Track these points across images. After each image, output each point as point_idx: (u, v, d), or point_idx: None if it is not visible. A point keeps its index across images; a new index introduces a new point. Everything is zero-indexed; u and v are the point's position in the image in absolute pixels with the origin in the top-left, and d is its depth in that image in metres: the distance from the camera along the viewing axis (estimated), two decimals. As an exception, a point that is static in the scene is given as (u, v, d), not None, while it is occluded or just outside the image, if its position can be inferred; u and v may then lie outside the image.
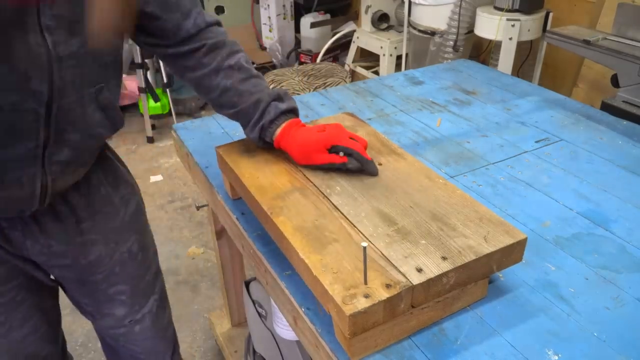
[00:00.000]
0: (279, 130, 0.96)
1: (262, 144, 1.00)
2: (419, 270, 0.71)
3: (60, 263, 0.97)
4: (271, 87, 3.47)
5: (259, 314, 1.40)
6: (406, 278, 0.70)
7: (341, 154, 0.93)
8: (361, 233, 0.79)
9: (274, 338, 1.34)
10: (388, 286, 0.69)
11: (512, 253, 0.78)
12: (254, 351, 1.53)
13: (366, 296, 0.67)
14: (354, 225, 0.80)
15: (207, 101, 1.02)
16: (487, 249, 0.75)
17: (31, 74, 0.73)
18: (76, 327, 1.95)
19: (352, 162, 0.92)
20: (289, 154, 0.96)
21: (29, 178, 0.81)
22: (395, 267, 0.72)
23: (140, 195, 1.11)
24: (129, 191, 1.06)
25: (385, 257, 0.74)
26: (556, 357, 0.73)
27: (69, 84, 0.78)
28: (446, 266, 0.72)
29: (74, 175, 0.90)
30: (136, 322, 1.13)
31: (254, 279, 1.43)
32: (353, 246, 0.76)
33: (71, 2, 0.74)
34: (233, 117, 1.00)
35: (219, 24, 1.00)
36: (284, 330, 1.27)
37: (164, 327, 1.22)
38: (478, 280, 0.78)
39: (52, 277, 1.01)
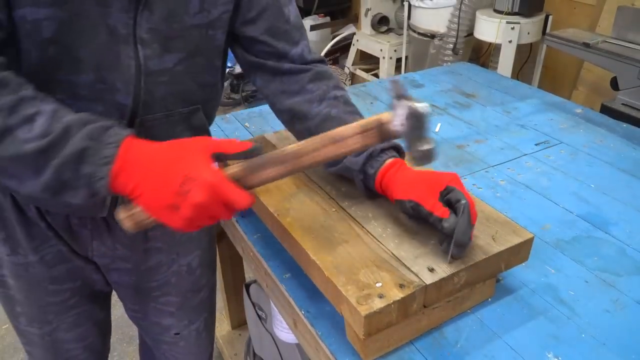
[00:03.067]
0: (389, 161, 0.80)
1: (360, 178, 0.83)
2: (431, 270, 0.71)
3: (121, 266, 0.95)
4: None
5: (259, 317, 1.39)
6: (419, 278, 0.70)
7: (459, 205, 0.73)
8: (370, 234, 0.79)
9: (274, 341, 1.34)
10: (401, 286, 0.69)
11: (520, 252, 0.78)
12: (254, 354, 1.53)
13: (380, 296, 0.67)
14: (363, 226, 0.80)
15: (298, 130, 0.89)
16: (496, 248, 0.75)
17: (119, 86, 0.72)
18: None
19: (448, 222, 0.71)
20: (394, 185, 0.78)
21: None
22: (407, 267, 0.72)
23: None
24: None
25: (396, 257, 0.74)
26: (556, 360, 0.73)
27: (159, 100, 0.76)
28: (457, 266, 0.72)
29: None
30: (182, 338, 1.10)
31: (254, 281, 1.43)
32: (363, 247, 0.76)
33: (169, 18, 0.72)
34: None
35: (324, 62, 0.93)
36: (284, 332, 1.26)
37: (206, 345, 1.19)
38: (487, 279, 0.79)
39: (108, 281, 0.99)
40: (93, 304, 1.00)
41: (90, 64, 0.69)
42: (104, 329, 1.08)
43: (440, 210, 0.73)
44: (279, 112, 0.91)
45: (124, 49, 0.70)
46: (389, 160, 0.80)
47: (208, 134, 0.89)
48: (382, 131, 0.69)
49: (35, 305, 0.93)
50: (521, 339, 0.76)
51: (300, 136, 0.89)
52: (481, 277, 0.77)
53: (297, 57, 0.88)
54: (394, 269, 0.72)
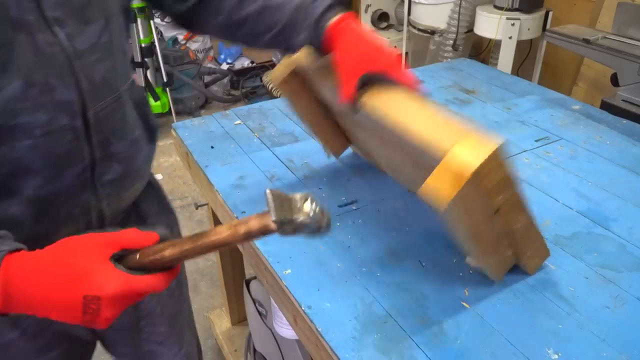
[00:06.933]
0: (333, 20, 0.80)
1: (312, 50, 0.85)
2: None
3: None
4: (271, 86, 3.41)
5: (259, 313, 1.40)
6: None
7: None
8: None
9: (274, 337, 1.34)
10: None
11: None
12: (254, 350, 1.53)
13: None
14: None
15: (238, 41, 0.89)
16: None
17: (53, 83, 0.62)
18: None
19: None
20: (342, 48, 0.80)
21: (82, 209, 0.71)
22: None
23: (178, 223, 1.05)
24: (172, 219, 1.00)
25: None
26: (556, 356, 0.73)
27: (101, 83, 0.68)
28: None
29: (130, 193, 0.80)
30: None
31: (254, 277, 1.43)
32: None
33: None
34: (276, 38, 0.84)
35: None
36: (284, 329, 1.27)
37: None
38: None
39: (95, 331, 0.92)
40: (81, 358, 0.95)
41: (10, 69, 0.58)
42: None
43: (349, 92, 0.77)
44: (212, 35, 0.90)
45: (42, 36, 0.60)
46: (332, 21, 0.80)
47: (149, 106, 0.85)
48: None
49: None
50: (521, 334, 0.76)
51: (243, 41, 0.89)
52: None
53: None
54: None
